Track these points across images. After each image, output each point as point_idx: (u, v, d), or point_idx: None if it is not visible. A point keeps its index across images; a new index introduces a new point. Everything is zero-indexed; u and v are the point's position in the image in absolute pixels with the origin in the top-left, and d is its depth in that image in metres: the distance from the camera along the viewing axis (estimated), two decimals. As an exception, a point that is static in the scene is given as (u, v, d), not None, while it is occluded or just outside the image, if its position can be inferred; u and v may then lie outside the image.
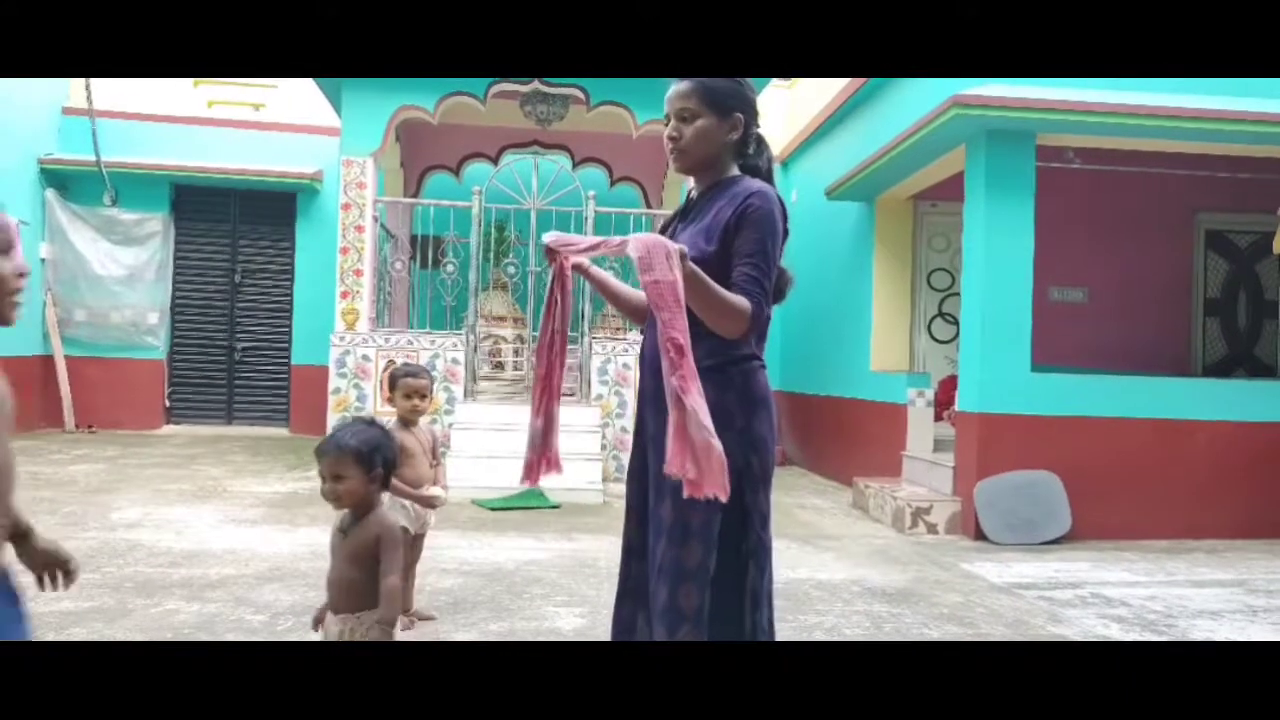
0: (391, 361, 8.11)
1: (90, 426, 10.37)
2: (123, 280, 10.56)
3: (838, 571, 5.10)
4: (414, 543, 3.84)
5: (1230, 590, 4.98)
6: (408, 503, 3.77)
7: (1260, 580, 5.23)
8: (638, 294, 2.37)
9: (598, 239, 2.16)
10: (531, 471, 2.22)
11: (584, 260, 2.16)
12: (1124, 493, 6.33)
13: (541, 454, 2.23)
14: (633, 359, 8.35)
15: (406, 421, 3.82)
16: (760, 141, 2.31)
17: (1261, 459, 6.44)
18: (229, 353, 11.04)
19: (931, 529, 6.40)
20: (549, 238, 2.16)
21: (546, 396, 2.23)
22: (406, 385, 3.81)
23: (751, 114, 2.27)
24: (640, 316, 2.43)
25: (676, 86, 2.25)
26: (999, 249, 6.35)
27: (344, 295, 8.37)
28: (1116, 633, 4.09)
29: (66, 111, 10.65)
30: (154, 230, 10.65)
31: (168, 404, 10.85)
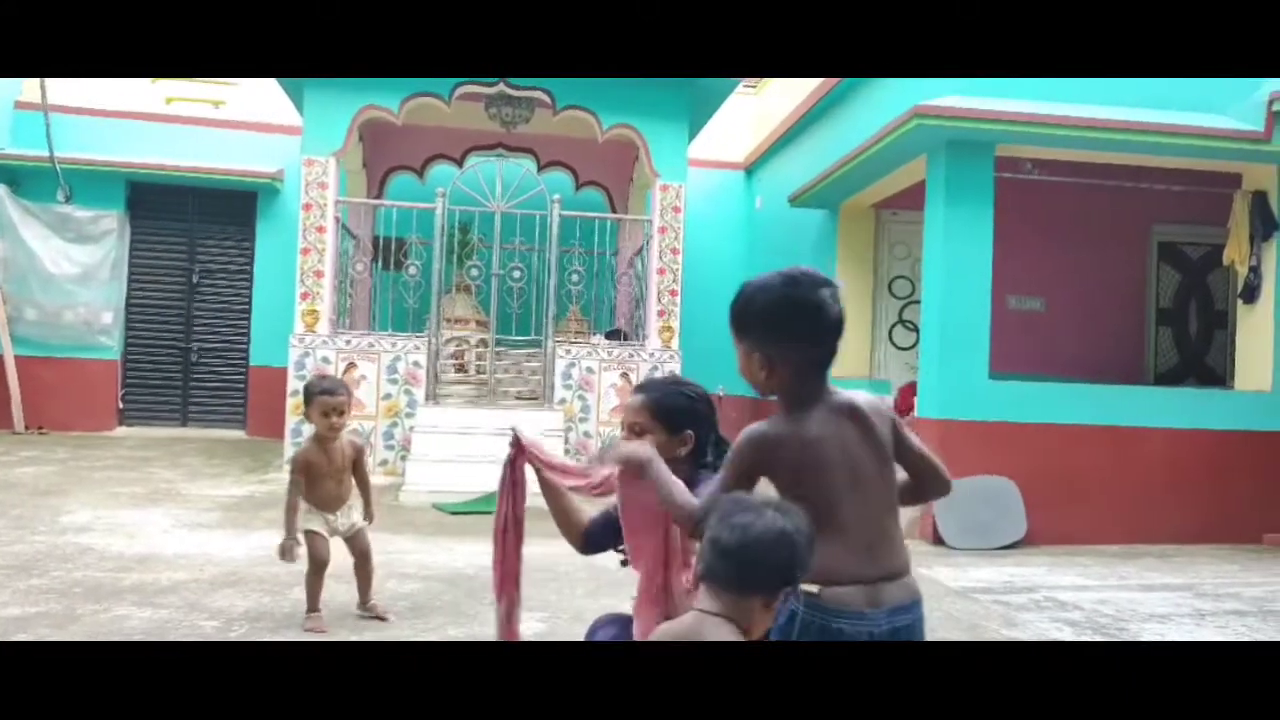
0: (353, 365, 8.03)
1: (41, 428, 10.13)
2: (76, 279, 10.34)
3: (798, 576, 5.12)
4: (351, 540, 3.81)
5: (1179, 594, 5.08)
6: (314, 509, 3.73)
7: (1208, 584, 5.35)
8: (579, 515, 2.36)
9: (584, 473, 2.19)
10: None
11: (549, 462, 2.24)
12: (1078, 498, 6.43)
13: (508, 634, 2.33)
14: (596, 362, 8.36)
15: (323, 439, 3.69)
16: (719, 444, 2.25)
17: (1211, 466, 6.58)
18: (185, 354, 10.85)
19: (891, 534, 6.44)
20: (523, 437, 2.23)
21: (507, 581, 2.29)
22: (323, 403, 3.62)
23: (705, 427, 2.24)
24: (572, 534, 2.38)
25: (630, 400, 2.28)
26: (958, 258, 6.44)
27: (304, 296, 8.26)
28: (1069, 636, 4.16)
29: (19, 106, 10.42)
30: (109, 228, 10.44)
31: (121, 405, 10.64)
